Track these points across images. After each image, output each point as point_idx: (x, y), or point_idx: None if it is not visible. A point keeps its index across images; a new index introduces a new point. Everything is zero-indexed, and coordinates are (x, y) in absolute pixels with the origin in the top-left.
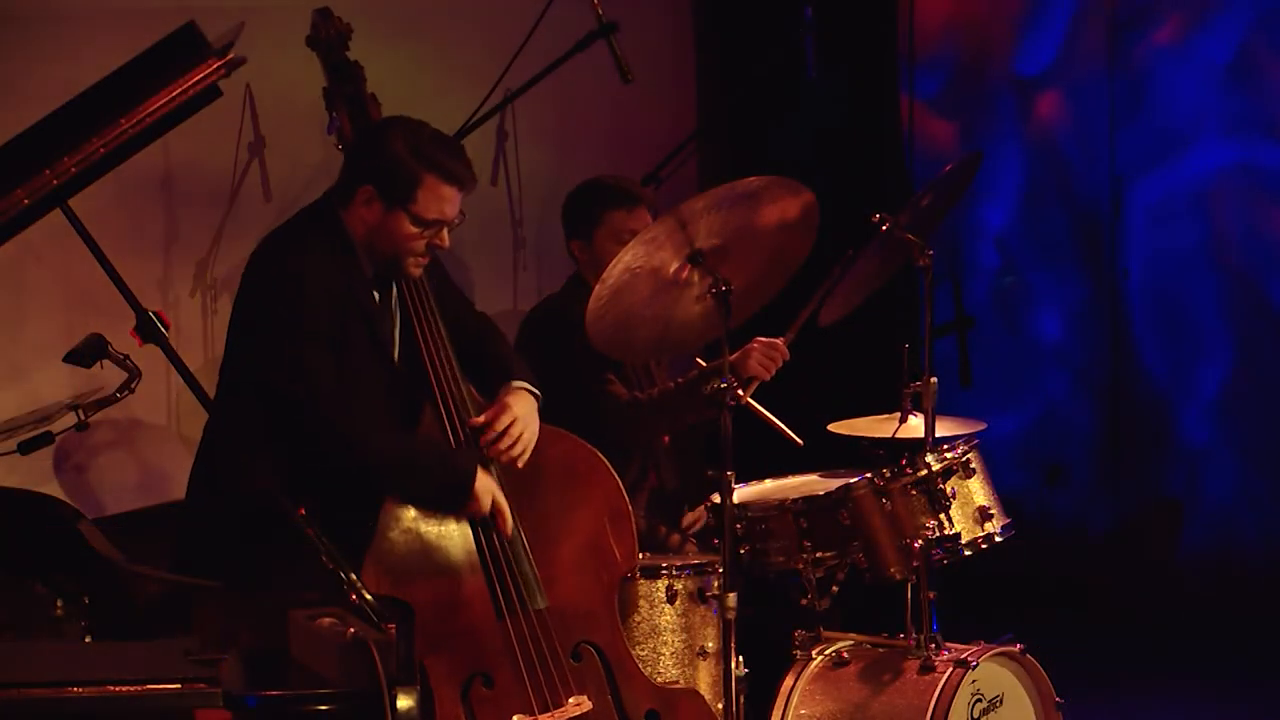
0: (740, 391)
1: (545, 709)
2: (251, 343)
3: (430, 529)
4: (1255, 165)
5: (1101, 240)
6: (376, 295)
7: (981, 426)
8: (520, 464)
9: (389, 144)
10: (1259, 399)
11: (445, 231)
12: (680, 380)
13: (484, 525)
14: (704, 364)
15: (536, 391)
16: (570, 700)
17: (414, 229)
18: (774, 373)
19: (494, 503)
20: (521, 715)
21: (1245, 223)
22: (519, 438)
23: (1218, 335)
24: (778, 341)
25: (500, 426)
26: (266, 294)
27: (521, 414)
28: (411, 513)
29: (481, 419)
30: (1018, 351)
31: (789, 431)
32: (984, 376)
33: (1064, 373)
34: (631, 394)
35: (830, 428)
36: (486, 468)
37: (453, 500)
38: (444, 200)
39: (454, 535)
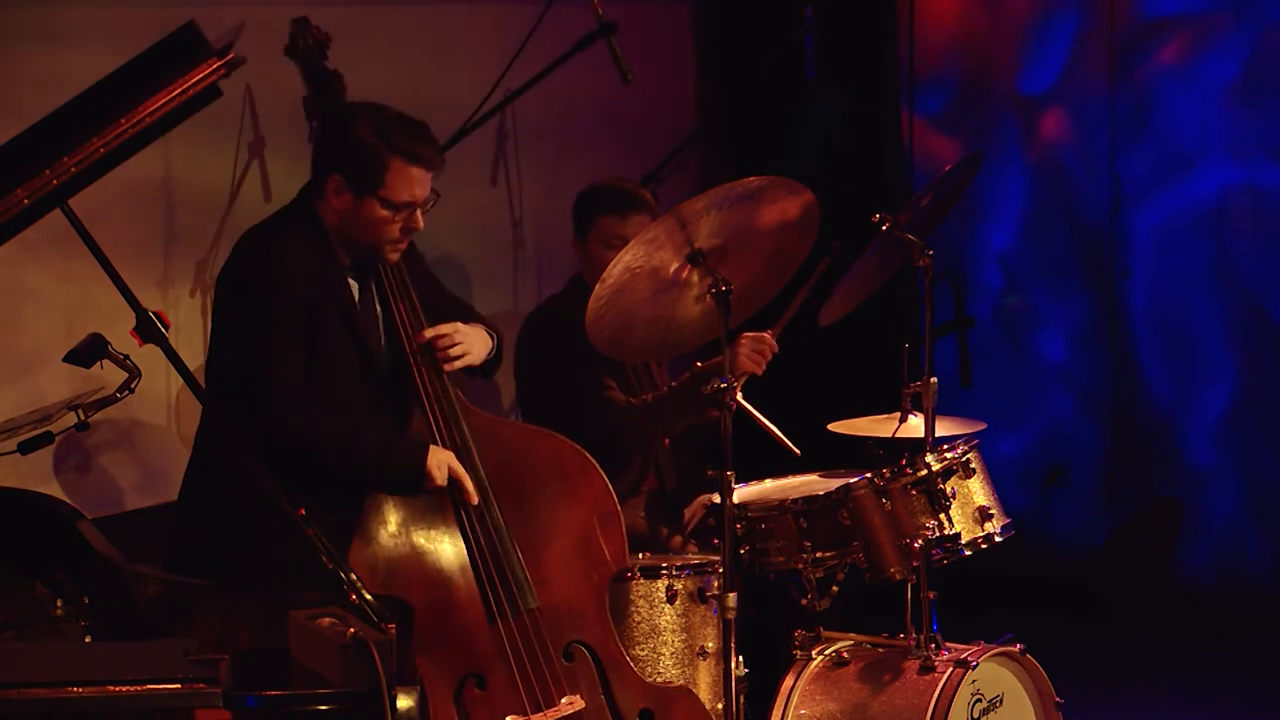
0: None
1: (538, 709)
2: (224, 339)
3: (420, 531)
4: (1260, 186)
5: (1105, 260)
6: (355, 285)
7: (981, 426)
8: (454, 365)
9: (353, 132)
10: (1264, 420)
11: (419, 213)
12: (674, 384)
13: (471, 526)
14: (700, 365)
15: (494, 333)
16: (563, 700)
17: (386, 213)
18: (765, 366)
19: (454, 476)
20: (515, 716)
21: (1250, 243)
22: (459, 343)
23: (1222, 356)
24: (764, 335)
25: (444, 331)
26: (238, 288)
27: (466, 330)
28: (402, 516)
29: (429, 333)
30: (1021, 371)
31: (787, 441)
32: (987, 396)
33: (1067, 393)
34: (628, 399)
35: (830, 427)
36: (438, 444)
37: (409, 480)
38: (413, 182)
39: (444, 537)
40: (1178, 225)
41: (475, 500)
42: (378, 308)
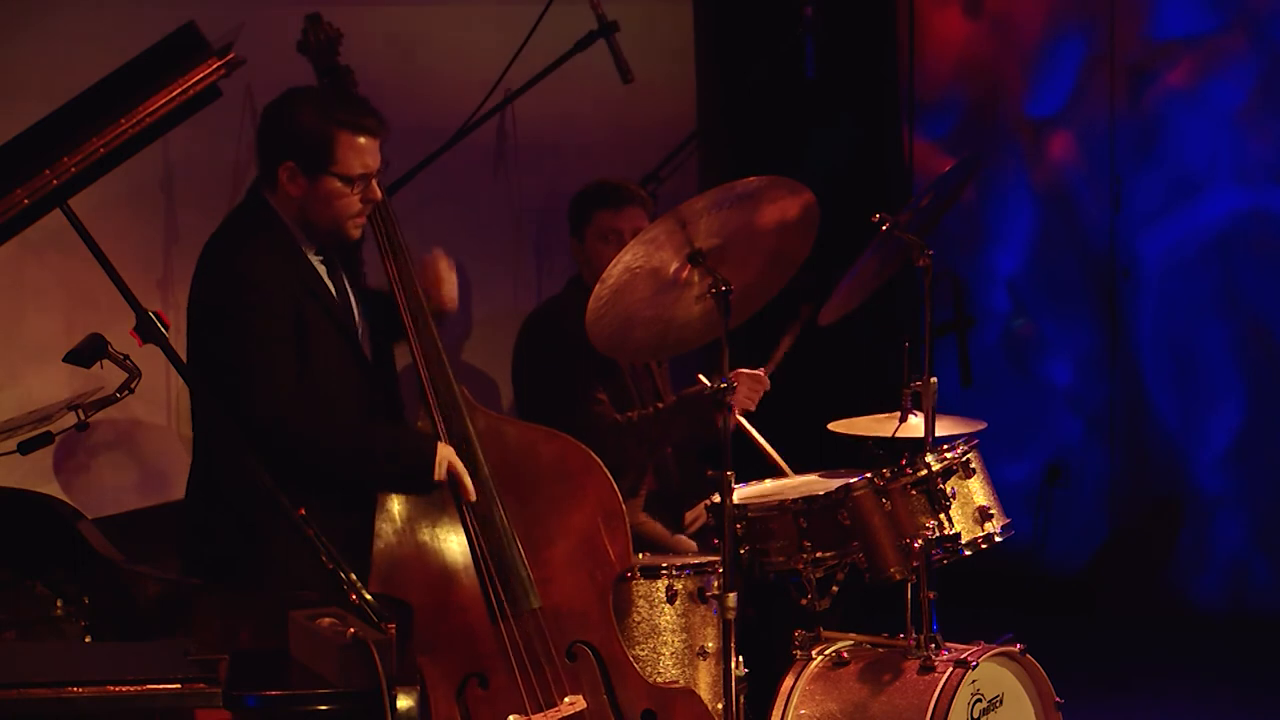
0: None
1: (539, 709)
2: (208, 353)
3: (423, 531)
4: (1267, 211)
5: (1112, 285)
6: (325, 272)
7: (981, 426)
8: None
9: (294, 115)
10: (1271, 445)
11: (374, 183)
12: (660, 406)
13: (475, 526)
14: (703, 379)
15: None
16: (565, 700)
17: (343, 187)
18: (757, 403)
19: (454, 472)
20: (516, 715)
21: (1257, 268)
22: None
23: (1229, 381)
24: (760, 373)
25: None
26: (215, 304)
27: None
28: (405, 515)
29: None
30: (1027, 396)
31: (780, 460)
32: (993, 420)
33: (1075, 418)
34: (613, 418)
35: (830, 427)
36: (441, 438)
37: (418, 478)
38: (363, 152)
39: (449, 537)
40: (1185, 250)
41: (473, 498)
42: (349, 293)
